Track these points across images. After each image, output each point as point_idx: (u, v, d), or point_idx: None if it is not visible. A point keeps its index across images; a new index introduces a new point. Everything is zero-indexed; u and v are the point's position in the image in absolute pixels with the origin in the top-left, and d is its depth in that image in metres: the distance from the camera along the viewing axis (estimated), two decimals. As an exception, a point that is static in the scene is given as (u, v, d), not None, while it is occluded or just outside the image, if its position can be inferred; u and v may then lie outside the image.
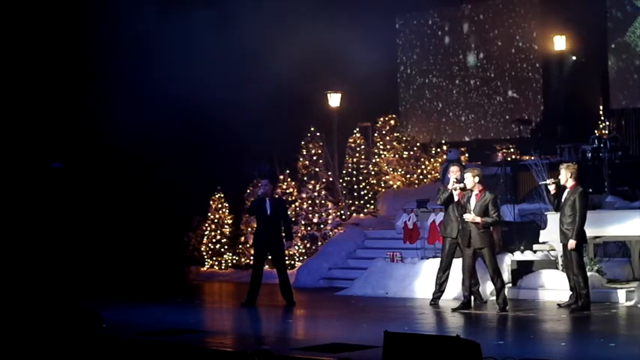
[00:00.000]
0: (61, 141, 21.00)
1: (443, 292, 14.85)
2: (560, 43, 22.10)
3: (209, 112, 19.95)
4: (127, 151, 19.98)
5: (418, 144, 23.63)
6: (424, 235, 17.26)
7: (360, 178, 22.27)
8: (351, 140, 22.59)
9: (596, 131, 21.08)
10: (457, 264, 14.63)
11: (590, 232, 14.07)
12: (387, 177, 22.76)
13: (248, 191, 22.48)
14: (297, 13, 20.62)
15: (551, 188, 13.86)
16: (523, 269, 15.69)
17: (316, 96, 22.61)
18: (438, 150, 23.11)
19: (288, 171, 22.49)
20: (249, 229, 21.48)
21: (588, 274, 14.05)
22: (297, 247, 21.16)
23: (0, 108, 20.84)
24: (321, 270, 19.53)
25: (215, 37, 19.86)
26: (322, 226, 21.42)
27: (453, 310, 13.96)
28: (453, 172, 14.70)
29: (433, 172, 22.63)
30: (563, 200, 13.73)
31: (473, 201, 13.85)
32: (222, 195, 23.11)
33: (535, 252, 16.25)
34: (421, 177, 22.85)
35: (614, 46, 22.47)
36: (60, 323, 10.37)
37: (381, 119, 23.49)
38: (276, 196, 17.67)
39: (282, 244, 15.84)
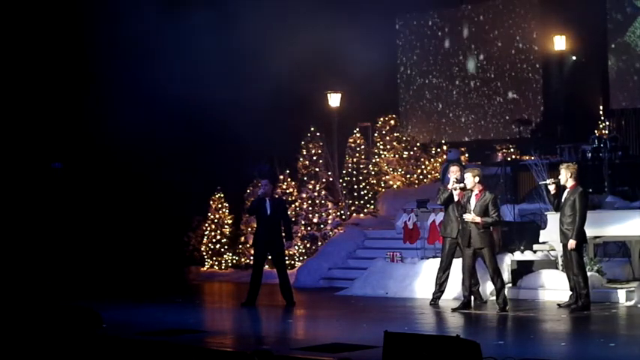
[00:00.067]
0: (61, 141, 21.00)
1: (443, 292, 14.85)
2: (560, 43, 22.09)
3: (209, 112, 19.94)
4: (127, 151, 19.97)
5: (418, 144, 23.63)
6: (424, 235, 17.26)
7: (360, 178, 22.27)
8: (351, 140, 22.59)
9: (596, 131, 21.08)
10: (457, 264, 14.63)
11: (590, 232, 14.07)
12: (387, 177, 22.76)
13: (248, 191, 22.49)
14: (297, 13, 20.61)
15: (551, 188, 13.86)
16: (523, 269, 15.69)
17: (316, 96, 22.61)
18: (438, 150, 23.11)
19: (288, 171, 22.49)
20: (249, 229, 21.48)
21: (588, 274, 14.05)
22: (297, 247, 21.16)
23: (0, 108, 20.83)
24: (321, 270, 19.53)
25: (215, 37, 19.85)
26: (322, 226, 21.42)
27: (453, 310, 13.96)
28: (453, 172, 14.70)
29: (433, 172, 22.63)
30: (563, 200, 13.73)
31: (473, 201, 13.85)
32: (222, 195, 23.11)
33: (535, 252, 16.25)
34: (421, 177, 22.85)
35: (614, 46, 22.47)
36: (60, 323, 10.37)
37: (381, 119, 23.49)
38: (276, 196, 17.67)
39: (282, 244, 15.84)
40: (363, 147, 22.66)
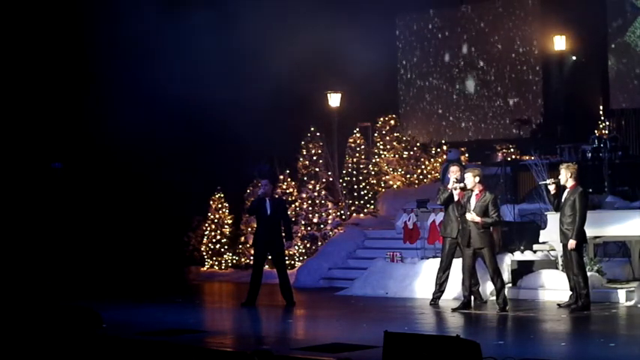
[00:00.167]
0: (61, 141, 21.00)
1: (443, 292, 14.85)
2: (560, 43, 22.09)
3: (209, 112, 19.94)
4: (127, 151, 19.97)
5: (418, 144, 23.62)
6: (424, 235, 17.26)
7: (360, 178, 22.27)
8: (351, 140, 22.59)
9: (596, 131, 21.08)
10: (457, 264, 14.63)
11: (590, 232, 14.07)
12: (387, 177, 22.76)
13: (248, 191, 22.49)
14: (297, 13, 20.61)
15: (551, 188, 13.86)
16: (523, 269, 15.69)
17: (316, 96, 22.61)
18: (438, 150, 23.11)
19: (288, 171, 22.49)
20: (249, 229, 21.48)
21: (588, 274, 14.05)
22: (297, 247, 21.17)
23: (0, 108, 20.83)
24: (321, 270, 19.53)
25: (215, 37, 19.85)
26: (322, 226, 21.42)
27: (453, 310, 13.96)
28: (453, 172, 14.70)
29: (433, 172, 22.62)
30: (563, 200, 13.73)
31: (473, 201, 13.85)
32: (222, 195, 23.12)
33: (535, 252, 16.25)
34: (421, 177, 22.85)
35: (614, 46, 22.46)
36: (60, 323, 10.37)
37: (381, 119, 23.49)
38: (276, 196, 17.67)
39: (282, 244, 15.84)
40: (363, 147, 22.66)
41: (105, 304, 14.13)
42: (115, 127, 19.33)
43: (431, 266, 15.98)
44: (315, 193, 21.71)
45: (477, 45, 24.78)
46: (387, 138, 23.34)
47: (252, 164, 22.28)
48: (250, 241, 20.69)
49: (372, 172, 22.56)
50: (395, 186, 22.64)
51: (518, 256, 16.24)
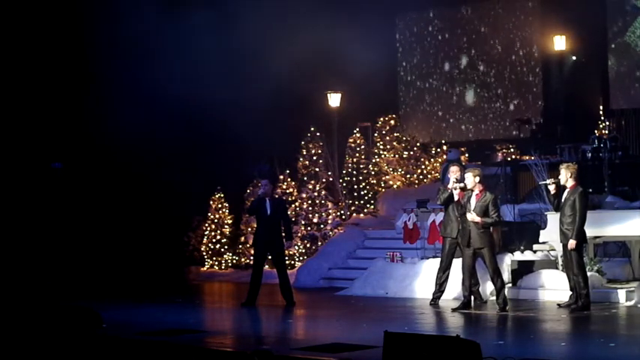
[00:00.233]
0: (61, 141, 21.00)
1: (443, 292, 14.85)
2: (560, 43, 22.08)
3: (209, 112, 19.94)
4: (127, 151, 19.97)
5: (418, 144, 23.62)
6: (424, 235, 17.26)
7: (360, 178, 22.27)
8: (351, 140, 22.59)
9: (596, 131, 21.07)
10: (457, 264, 14.63)
11: (590, 232, 14.07)
12: (387, 177, 22.76)
13: (248, 191, 22.49)
14: (297, 13, 20.61)
15: (551, 188, 13.86)
16: (523, 269, 15.69)
17: (316, 96, 22.61)
18: (438, 150, 23.11)
19: (288, 171, 22.49)
20: (249, 229, 21.48)
21: (588, 274, 14.05)
22: (297, 247, 21.17)
23: (0, 108, 20.83)
24: (321, 270, 19.53)
25: (215, 37, 19.84)
26: (322, 226, 21.42)
27: (453, 310, 13.96)
28: (453, 172, 14.70)
29: (433, 172, 22.62)
30: (563, 200, 13.73)
31: (473, 201, 13.85)
32: (222, 195, 23.12)
33: (535, 252, 16.25)
34: (421, 177, 22.85)
35: (614, 46, 22.46)
36: (60, 323, 10.37)
37: (381, 119, 23.49)
38: (276, 196, 17.67)
39: (282, 244, 15.84)
40: (363, 147, 22.66)
41: (105, 304, 14.13)
42: (115, 127, 19.33)
43: (431, 266, 15.98)
44: (315, 193, 21.71)
45: (477, 47, 24.76)
46: (387, 138, 23.34)
47: (252, 164, 22.28)
48: (250, 241, 20.69)
49: (372, 172, 22.56)
50: (395, 186, 22.64)
51: (518, 256, 16.24)
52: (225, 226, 22.98)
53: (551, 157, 19.27)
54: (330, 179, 22.32)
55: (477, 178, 13.94)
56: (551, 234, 15.06)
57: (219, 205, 23.10)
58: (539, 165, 17.53)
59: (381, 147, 23.25)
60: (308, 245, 21.23)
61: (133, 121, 19.15)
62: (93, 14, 20.45)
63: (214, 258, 22.82)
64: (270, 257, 16.08)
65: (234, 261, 22.62)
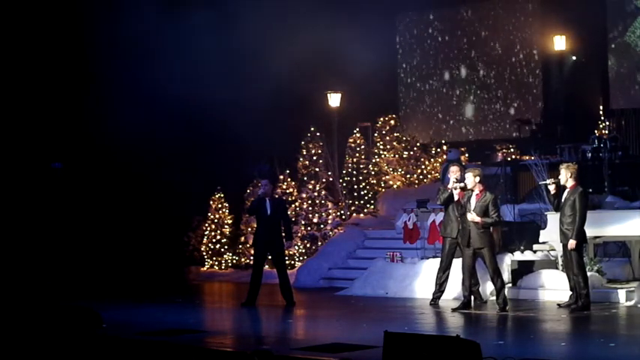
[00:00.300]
0: (61, 141, 21.00)
1: (443, 292, 14.85)
2: (560, 43, 22.09)
3: (209, 112, 19.94)
4: (127, 151, 19.97)
5: (418, 144, 23.62)
6: (424, 235, 17.26)
7: (360, 178, 22.28)
8: (351, 140, 22.59)
9: (596, 131, 21.08)
10: (457, 264, 14.63)
11: (590, 232, 14.07)
12: (387, 177, 22.76)
13: (248, 191, 22.49)
14: (297, 13, 20.61)
15: (551, 188, 13.86)
16: (523, 269, 15.69)
17: (316, 96, 22.62)
18: (438, 150, 23.11)
19: (288, 171, 22.49)
20: (249, 229, 21.49)
21: (588, 274, 14.05)
22: (297, 247, 21.17)
23: (0, 108, 20.83)
24: (321, 270, 19.53)
25: (215, 37, 19.84)
26: (322, 226, 21.42)
27: (453, 310, 13.96)
28: (453, 172, 14.70)
29: (433, 172, 22.63)
30: (563, 200, 13.73)
31: (473, 201, 13.85)
32: (222, 195, 23.12)
33: (535, 252, 16.25)
34: (421, 177, 22.85)
35: (614, 46, 22.46)
36: (60, 323, 10.37)
37: (381, 119, 23.49)
38: (276, 196, 17.67)
39: (282, 244, 15.84)
40: (363, 147, 22.66)
41: (105, 304, 14.13)
42: (115, 127, 19.33)
43: (431, 266, 15.98)
44: (315, 193, 21.71)
45: (477, 48, 24.76)
46: (387, 138, 23.34)
47: (252, 164, 22.28)
48: (250, 241, 20.69)
49: (372, 172, 22.56)
50: (395, 186, 22.64)
51: (518, 256, 16.24)
52: (225, 226, 22.98)
53: (551, 157, 19.27)
54: (330, 179, 22.33)
55: (477, 178, 13.94)
56: (551, 234, 15.06)
57: (219, 205, 23.11)
58: (539, 165, 17.53)
59: (381, 147, 23.25)
60: (308, 245, 21.23)
61: (133, 121, 19.15)
62: (93, 14, 20.45)
63: (214, 258, 22.83)
64: (270, 257, 16.08)
65: (234, 261, 22.62)
